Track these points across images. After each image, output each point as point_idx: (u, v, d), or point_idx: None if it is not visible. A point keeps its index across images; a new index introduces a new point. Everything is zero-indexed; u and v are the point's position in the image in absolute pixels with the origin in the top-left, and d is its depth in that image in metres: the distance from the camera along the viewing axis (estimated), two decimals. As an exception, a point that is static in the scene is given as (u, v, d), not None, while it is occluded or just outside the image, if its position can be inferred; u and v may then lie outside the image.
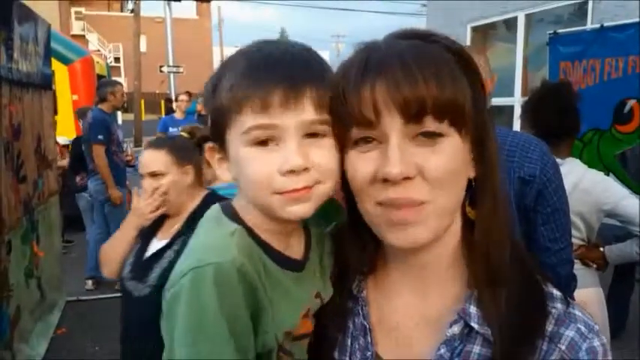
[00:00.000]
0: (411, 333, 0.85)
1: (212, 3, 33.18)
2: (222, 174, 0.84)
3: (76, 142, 6.21)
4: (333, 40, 65.80)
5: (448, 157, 0.75)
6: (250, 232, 0.81)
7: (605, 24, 4.93)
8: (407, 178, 0.74)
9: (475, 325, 0.78)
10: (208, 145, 0.84)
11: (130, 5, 22.83)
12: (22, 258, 3.90)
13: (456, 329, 0.80)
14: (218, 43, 43.10)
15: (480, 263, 0.81)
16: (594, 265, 2.67)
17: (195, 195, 2.24)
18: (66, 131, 8.56)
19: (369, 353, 0.85)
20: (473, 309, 0.80)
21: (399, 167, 0.73)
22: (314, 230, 0.93)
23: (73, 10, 40.00)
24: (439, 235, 0.79)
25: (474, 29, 8.74)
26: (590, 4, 6.42)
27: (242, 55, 0.80)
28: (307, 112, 0.76)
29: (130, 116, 22.14)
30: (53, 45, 5.65)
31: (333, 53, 65.81)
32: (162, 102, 19.14)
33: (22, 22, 4.02)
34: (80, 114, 6.51)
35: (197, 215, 2.04)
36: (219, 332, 0.71)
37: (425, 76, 0.73)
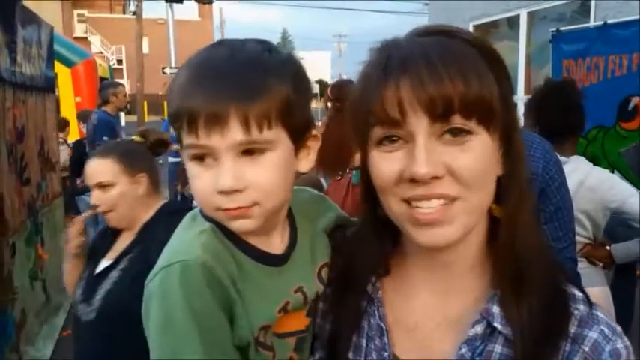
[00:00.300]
0: (431, 333, 0.84)
1: (214, 4, 33.22)
2: None
3: (77, 144, 6.22)
4: (335, 40, 65.78)
5: (477, 155, 0.74)
6: (224, 228, 0.80)
7: (609, 21, 4.91)
8: (435, 178, 0.73)
9: (498, 325, 0.78)
10: None
11: (132, 7, 22.88)
12: (26, 260, 3.91)
13: (479, 329, 0.79)
14: (220, 44, 43.05)
15: (506, 262, 0.80)
16: (600, 264, 2.66)
17: (150, 206, 2.02)
18: (69, 133, 8.58)
19: (386, 354, 0.84)
20: (496, 309, 0.79)
21: (427, 167, 0.71)
22: (305, 225, 0.93)
23: (76, 12, 40.08)
24: (467, 232, 0.78)
25: (476, 27, 8.72)
26: (593, 1, 6.40)
27: (187, 64, 0.78)
28: (235, 133, 0.72)
29: (133, 118, 22.18)
30: (56, 47, 5.67)
31: (335, 53, 65.79)
32: (165, 103, 19.15)
33: (25, 25, 4.04)
34: (82, 117, 6.52)
35: (149, 228, 1.96)
36: (186, 329, 0.72)
37: (450, 73, 0.71)
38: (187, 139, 0.74)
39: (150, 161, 2.08)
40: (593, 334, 0.76)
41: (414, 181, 0.73)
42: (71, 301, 5.22)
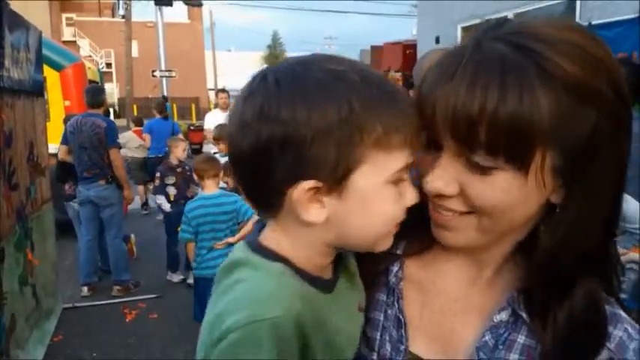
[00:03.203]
0: (454, 318, 0.83)
1: (203, 6, 33.14)
2: (310, 216, 0.70)
3: None
4: (326, 43, 65.93)
5: (497, 191, 0.69)
6: (292, 266, 0.73)
7: (593, 22, 4.97)
8: (442, 196, 0.73)
9: (523, 314, 0.76)
10: (308, 184, 0.67)
11: (121, 10, 22.82)
12: (15, 266, 3.88)
13: (504, 316, 0.77)
14: (210, 47, 43.08)
15: (539, 273, 0.76)
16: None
17: None
18: (59, 138, 8.51)
19: (402, 347, 0.82)
20: (522, 297, 0.77)
21: (435, 184, 0.72)
22: None
23: (64, 16, 39.86)
24: (481, 245, 0.77)
25: (465, 29, 8.79)
26: (578, 2, 6.48)
27: (348, 78, 0.67)
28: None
29: (123, 122, 22.09)
30: (44, 51, 5.63)
31: (325, 55, 65.65)
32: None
33: (13, 29, 4.02)
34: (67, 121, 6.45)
35: None
36: None
37: (485, 96, 0.64)
38: (406, 160, 0.71)
39: None
40: (618, 332, 0.75)
41: None
42: (62, 306, 5.20)
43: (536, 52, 0.66)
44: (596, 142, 0.68)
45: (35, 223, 4.50)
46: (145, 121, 10.16)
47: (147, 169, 9.23)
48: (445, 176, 0.72)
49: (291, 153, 0.66)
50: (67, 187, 6.06)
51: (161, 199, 6.04)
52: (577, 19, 6.34)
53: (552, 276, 0.75)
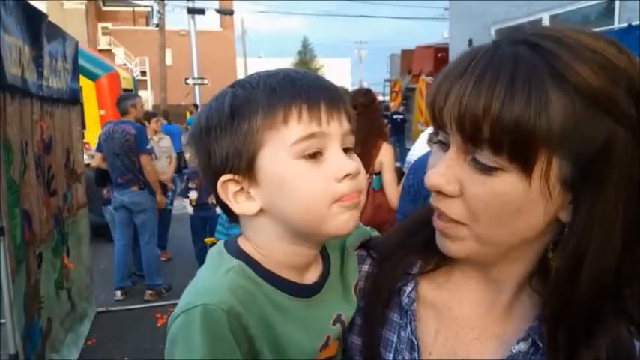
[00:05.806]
0: (470, 345, 0.80)
1: (235, 15, 33.60)
2: (241, 208, 0.77)
3: None
4: (356, 47, 65.85)
5: (496, 194, 0.67)
6: (255, 265, 0.77)
7: (633, 22, 4.82)
8: (442, 194, 0.71)
9: (543, 345, 0.73)
10: (223, 178, 0.76)
11: (155, 19, 23.31)
12: (52, 270, 3.98)
13: (523, 346, 0.75)
14: (241, 54, 43.62)
15: (557, 299, 0.72)
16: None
17: None
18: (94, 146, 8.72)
19: None
20: (544, 328, 0.73)
21: (435, 180, 0.71)
22: (333, 245, 0.89)
23: (100, 25, 40.95)
24: (482, 257, 0.75)
25: (498, 32, 8.65)
26: (617, 2, 6.29)
27: (262, 78, 0.76)
28: (345, 122, 0.76)
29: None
30: (80, 61, 5.78)
31: (355, 60, 65.88)
32: (187, 112, 19.48)
33: (51, 39, 4.14)
34: None
35: None
36: None
37: (492, 92, 0.63)
38: (304, 131, 0.72)
39: None
40: None
41: None
42: (95, 310, 5.29)
43: (551, 53, 0.65)
44: (609, 155, 0.64)
45: (71, 229, 4.61)
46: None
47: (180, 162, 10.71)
48: (448, 174, 0.70)
49: (208, 158, 0.76)
50: (105, 191, 6.22)
51: (185, 202, 6.14)
52: (616, 20, 6.16)
53: (573, 304, 0.70)
